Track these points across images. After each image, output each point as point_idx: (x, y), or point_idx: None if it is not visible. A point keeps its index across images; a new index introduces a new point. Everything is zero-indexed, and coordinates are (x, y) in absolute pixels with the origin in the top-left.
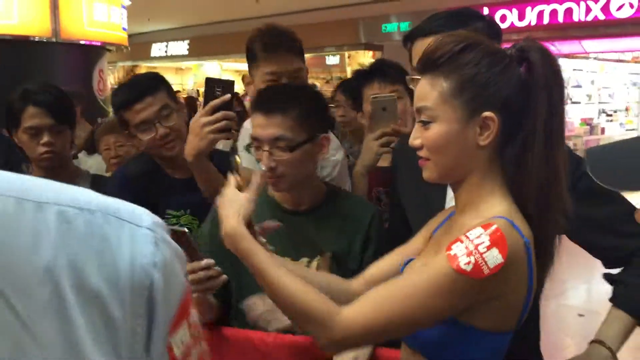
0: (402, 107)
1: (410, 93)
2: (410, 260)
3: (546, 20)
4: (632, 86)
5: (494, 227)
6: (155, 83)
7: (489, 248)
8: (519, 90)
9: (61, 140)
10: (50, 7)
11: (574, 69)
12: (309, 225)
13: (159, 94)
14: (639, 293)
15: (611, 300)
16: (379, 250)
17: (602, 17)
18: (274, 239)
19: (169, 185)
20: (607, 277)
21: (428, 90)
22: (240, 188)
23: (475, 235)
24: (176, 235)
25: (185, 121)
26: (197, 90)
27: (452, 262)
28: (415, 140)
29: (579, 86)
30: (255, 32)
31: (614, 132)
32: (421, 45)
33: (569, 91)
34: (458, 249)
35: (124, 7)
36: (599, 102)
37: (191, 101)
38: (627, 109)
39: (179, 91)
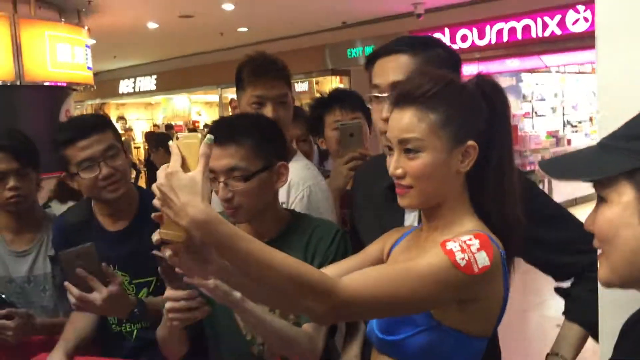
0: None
1: (367, 117)
2: None
3: (505, 37)
4: (595, 97)
5: (482, 236)
6: (103, 122)
7: (479, 250)
8: (485, 121)
9: (27, 183)
10: (12, 50)
11: (537, 83)
12: None
13: (107, 133)
14: (590, 307)
15: (564, 314)
16: None
17: (558, 32)
18: None
19: (102, 237)
20: (560, 292)
21: (415, 122)
22: (184, 167)
23: (467, 238)
24: (82, 252)
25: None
26: (170, 124)
27: (448, 255)
28: (397, 170)
29: (542, 99)
30: (245, 58)
31: (580, 142)
32: (383, 64)
33: (534, 105)
34: (453, 246)
35: (88, 46)
36: (564, 114)
37: (150, 136)
38: (591, 119)
39: (156, 125)
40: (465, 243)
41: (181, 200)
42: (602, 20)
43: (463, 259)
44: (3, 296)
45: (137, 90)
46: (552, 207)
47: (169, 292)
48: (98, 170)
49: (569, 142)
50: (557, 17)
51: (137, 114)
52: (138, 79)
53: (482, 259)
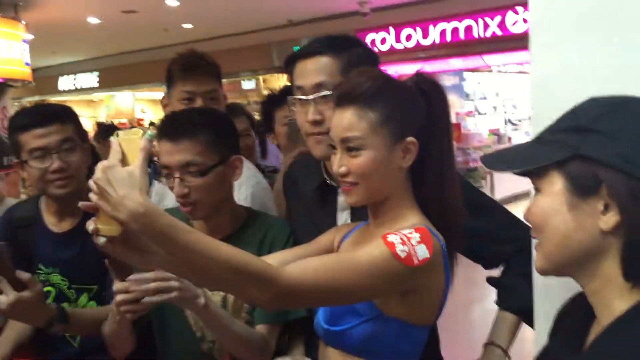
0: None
1: None
2: None
3: (449, 37)
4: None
5: (422, 229)
6: (66, 113)
7: (419, 243)
8: (424, 117)
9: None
10: None
11: (479, 82)
12: None
13: (67, 125)
14: (520, 294)
15: (496, 303)
16: None
17: (499, 32)
18: None
19: (45, 237)
20: (491, 282)
21: (355, 121)
22: (124, 163)
23: (407, 231)
24: None
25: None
26: (112, 122)
27: (389, 246)
28: (341, 168)
29: (484, 98)
30: (176, 55)
31: (520, 140)
32: (304, 66)
33: (476, 104)
34: (394, 238)
35: (25, 41)
36: (505, 113)
37: (101, 127)
38: (530, 118)
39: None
40: (406, 236)
41: (119, 194)
42: (534, 19)
43: (403, 250)
44: None
45: (77, 87)
46: (478, 198)
47: (120, 284)
48: (50, 162)
49: (509, 139)
50: (498, 18)
51: (78, 111)
52: (79, 75)
53: (422, 251)
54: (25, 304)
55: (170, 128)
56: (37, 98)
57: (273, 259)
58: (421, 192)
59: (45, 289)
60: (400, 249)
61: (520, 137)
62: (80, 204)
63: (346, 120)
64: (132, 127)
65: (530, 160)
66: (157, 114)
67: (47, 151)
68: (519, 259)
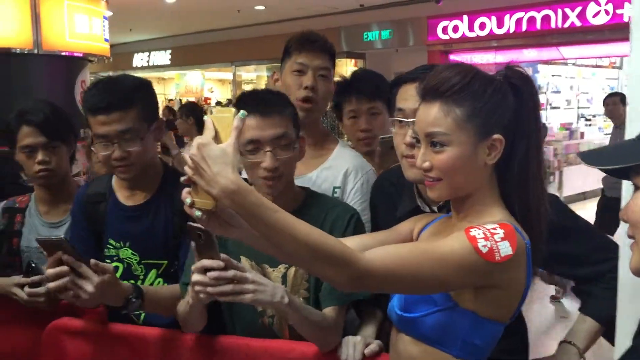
0: (381, 123)
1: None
2: None
3: (524, 27)
4: (610, 91)
5: (507, 226)
6: (132, 97)
7: (502, 239)
8: (514, 110)
9: (57, 157)
10: (31, 19)
11: (553, 75)
12: None
13: (130, 113)
14: (605, 303)
15: (580, 309)
16: None
17: (578, 23)
18: (249, 247)
19: (116, 211)
20: (576, 291)
21: (441, 117)
22: (217, 140)
23: (491, 227)
24: (54, 245)
25: (156, 140)
26: (180, 100)
27: (471, 240)
28: (424, 163)
29: (558, 92)
30: (296, 33)
31: (593, 137)
32: (407, 90)
33: (549, 97)
34: (476, 233)
35: (105, 18)
36: (578, 107)
37: (187, 105)
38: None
39: (171, 100)
40: (490, 231)
41: (213, 170)
42: (638, 13)
43: (485, 246)
44: (33, 264)
45: (151, 64)
46: (571, 221)
47: (202, 262)
48: (111, 150)
49: (582, 135)
50: (578, 9)
51: None
52: (152, 53)
53: (505, 248)
54: (107, 285)
55: (259, 104)
56: (111, 73)
57: (352, 242)
58: (505, 189)
59: (113, 264)
60: (482, 244)
61: (593, 133)
62: (182, 179)
63: (431, 115)
64: (220, 105)
65: (631, 157)
66: (223, 94)
67: (109, 139)
68: (611, 273)
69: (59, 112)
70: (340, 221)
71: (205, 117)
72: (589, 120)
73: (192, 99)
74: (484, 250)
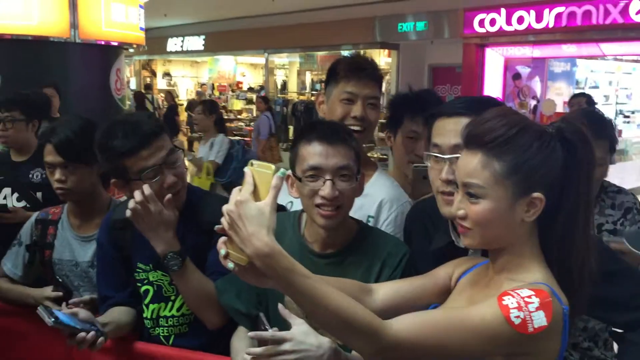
0: (375, 116)
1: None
2: (435, 306)
3: (564, 22)
4: None
5: (543, 293)
6: (157, 125)
7: (537, 309)
8: (561, 168)
9: (75, 177)
10: (69, 8)
11: (592, 70)
12: (336, 267)
13: (163, 136)
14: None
15: (617, 357)
16: None
17: (620, 20)
18: None
19: (142, 235)
20: (614, 335)
21: (479, 169)
22: (255, 195)
23: (527, 294)
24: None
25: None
26: (212, 85)
27: (503, 310)
28: (459, 210)
29: (596, 87)
30: (342, 56)
31: (632, 134)
32: (444, 125)
33: (587, 92)
34: (510, 302)
35: (141, 6)
36: (617, 103)
37: (209, 102)
38: None
39: (203, 84)
40: (524, 300)
41: (248, 231)
42: None
43: (518, 317)
44: (61, 281)
45: (184, 49)
46: (614, 263)
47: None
48: (161, 179)
49: (620, 132)
50: (621, 5)
51: (183, 72)
52: (186, 38)
53: (539, 319)
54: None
55: (326, 132)
56: (145, 57)
57: (388, 288)
58: (547, 248)
59: (143, 288)
60: (514, 315)
61: (632, 129)
62: (216, 228)
63: (471, 166)
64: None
65: None
66: (255, 78)
67: (156, 169)
68: None
69: (88, 130)
70: (393, 258)
71: (246, 169)
72: (628, 117)
73: (225, 84)
74: (517, 321)
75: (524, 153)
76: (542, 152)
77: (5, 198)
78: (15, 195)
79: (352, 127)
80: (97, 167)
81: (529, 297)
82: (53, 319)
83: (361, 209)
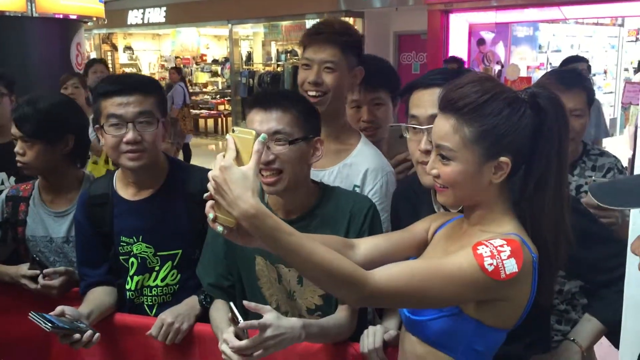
0: (384, 113)
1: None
2: (414, 258)
3: None
4: (611, 49)
5: (514, 242)
6: (152, 87)
7: (508, 257)
8: (532, 133)
9: (31, 152)
10: None
11: (554, 34)
12: (303, 232)
13: (150, 98)
14: (612, 306)
15: (586, 308)
16: None
17: None
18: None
19: (122, 209)
20: (584, 290)
21: (451, 133)
22: (238, 160)
23: (499, 244)
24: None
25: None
26: (174, 58)
27: (477, 259)
28: (433, 170)
29: (558, 50)
30: (317, 23)
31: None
32: (420, 96)
33: (549, 56)
34: (484, 251)
35: None
36: None
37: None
38: (605, 72)
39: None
40: (497, 249)
41: (234, 194)
42: None
43: (491, 264)
44: (37, 257)
45: (145, 21)
46: (590, 225)
47: (231, 339)
48: (124, 130)
49: None
50: None
51: (144, 45)
52: (147, 10)
53: (511, 266)
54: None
55: (263, 99)
56: (104, 31)
57: (367, 244)
58: (520, 208)
59: (129, 260)
60: (488, 262)
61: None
62: (205, 195)
63: (444, 129)
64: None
65: None
66: (220, 50)
67: (123, 120)
68: (620, 279)
69: (55, 109)
70: (357, 215)
71: (227, 136)
72: (590, 79)
73: (188, 57)
74: (490, 268)
75: (492, 120)
76: (511, 119)
77: (2, 183)
78: (13, 178)
79: (309, 93)
80: (62, 146)
81: (501, 245)
82: (50, 325)
83: (347, 178)
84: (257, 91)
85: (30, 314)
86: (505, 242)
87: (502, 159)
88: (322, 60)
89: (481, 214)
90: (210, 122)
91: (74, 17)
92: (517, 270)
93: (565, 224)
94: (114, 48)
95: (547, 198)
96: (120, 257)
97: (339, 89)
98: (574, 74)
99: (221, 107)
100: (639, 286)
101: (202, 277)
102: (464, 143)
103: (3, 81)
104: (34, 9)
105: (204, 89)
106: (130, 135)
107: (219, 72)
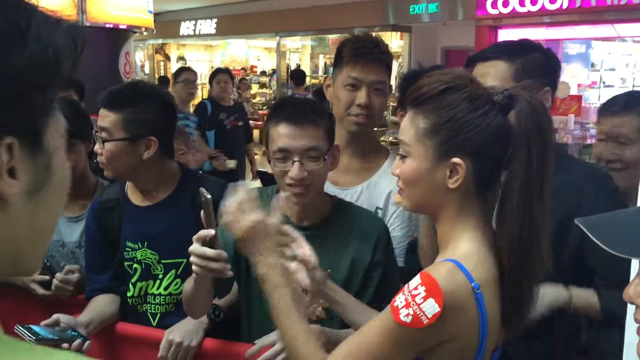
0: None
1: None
2: None
3: (578, 3)
4: None
5: (429, 278)
6: (133, 98)
7: (425, 299)
8: (497, 138)
9: (74, 154)
10: None
11: (609, 53)
12: (312, 240)
13: (123, 113)
14: (617, 306)
15: (596, 289)
16: (385, 275)
17: (636, 0)
18: None
19: (131, 214)
20: (596, 288)
21: (407, 126)
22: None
23: (413, 286)
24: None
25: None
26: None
27: (394, 315)
28: (395, 169)
29: (612, 69)
30: (349, 37)
31: None
32: (481, 69)
33: (602, 74)
34: (399, 301)
35: None
36: (633, 86)
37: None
38: None
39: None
40: (411, 294)
41: (261, 245)
42: None
43: (408, 314)
44: (47, 263)
45: (197, 33)
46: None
47: (197, 247)
48: (90, 144)
49: None
50: None
51: (197, 55)
52: (199, 21)
53: (430, 307)
54: None
55: (294, 113)
56: (159, 41)
57: None
58: (498, 223)
59: (132, 266)
60: (404, 314)
61: None
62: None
63: (403, 124)
64: (245, 76)
65: None
66: (270, 62)
67: (97, 133)
68: None
69: (77, 110)
70: (366, 234)
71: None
72: None
73: (238, 68)
74: (408, 320)
75: (448, 114)
76: (468, 116)
77: None
78: None
79: (357, 117)
80: (88, 144)
81: (415, 288)
82: (34, 338)
83: (369, 199)
84: (278, 101)
85: (15, 327)
86: (419, 282)
87: (455, 159)
88: (373, 82)
89: (443, 231)
90: (256, 132)
91: (124, 27)
92: (439, 310)
93: (537, 245)
94: (167, 58)
95: (511, 209)
96: (125, 263)
97: (384, 108)
98: (625, 97)
99: None
100: None
101: None
102: (417, 136)
103: (74, 89)
104: (84, 19)
105: (253, 100)
106: (94, 148)
107: (267, 84)
